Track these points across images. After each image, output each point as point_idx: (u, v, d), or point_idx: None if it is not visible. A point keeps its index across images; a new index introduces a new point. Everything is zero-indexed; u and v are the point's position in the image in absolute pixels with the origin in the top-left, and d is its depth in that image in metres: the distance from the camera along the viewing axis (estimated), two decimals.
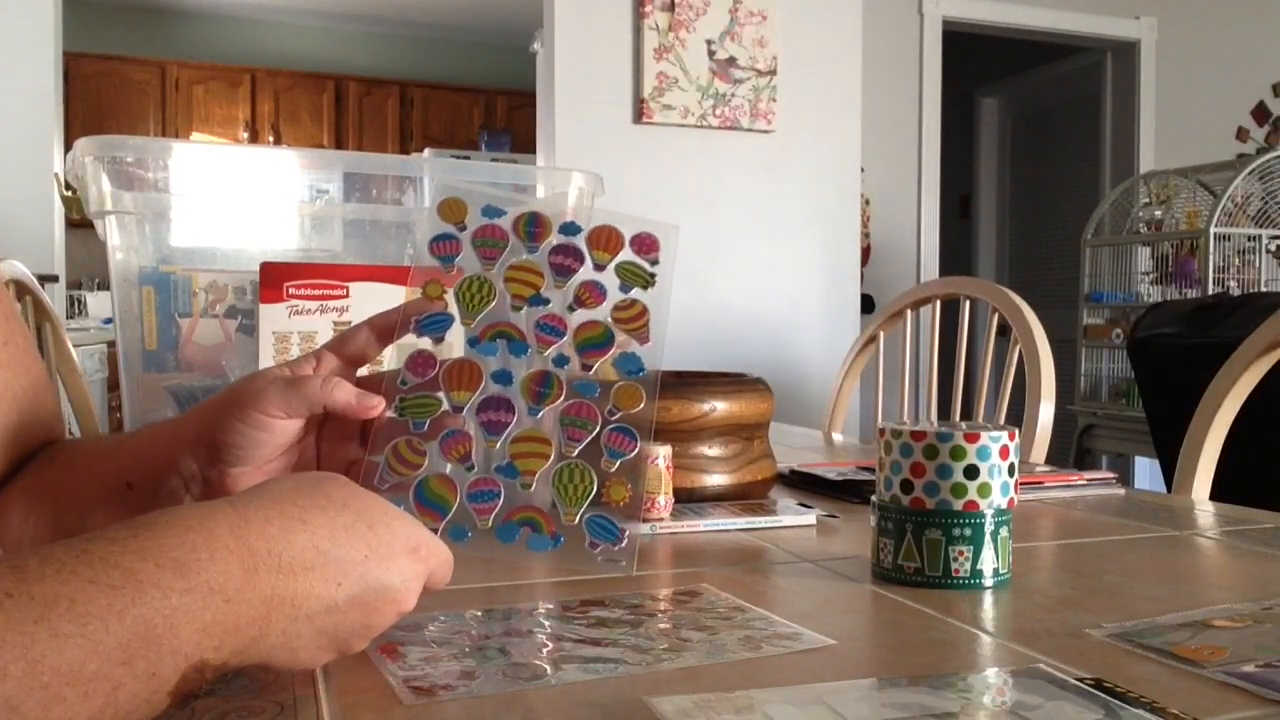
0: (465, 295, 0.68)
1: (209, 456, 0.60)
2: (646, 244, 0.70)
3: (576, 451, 0.64)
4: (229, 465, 0.60)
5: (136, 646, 0.37)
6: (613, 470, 0.64)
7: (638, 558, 0.65)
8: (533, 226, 0.70)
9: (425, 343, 0.67)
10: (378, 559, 0.46)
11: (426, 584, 0.50)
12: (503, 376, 0.66)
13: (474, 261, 0.69)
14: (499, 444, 0.64)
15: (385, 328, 0.66)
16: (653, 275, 0.69)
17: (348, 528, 0.46)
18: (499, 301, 0.68)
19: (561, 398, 0.65)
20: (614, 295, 0.69)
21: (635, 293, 0.69)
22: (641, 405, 0.65)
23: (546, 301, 0.68)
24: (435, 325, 0.67)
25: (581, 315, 0.69)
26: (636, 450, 0.65)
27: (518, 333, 0.67)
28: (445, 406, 0.64)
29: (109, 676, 0.36)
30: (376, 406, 0.62)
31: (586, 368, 0.67)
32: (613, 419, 0.65)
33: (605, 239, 0.70)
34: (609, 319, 0.68)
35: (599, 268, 0.70)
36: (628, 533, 0.63)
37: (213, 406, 0.61)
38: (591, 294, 0.69)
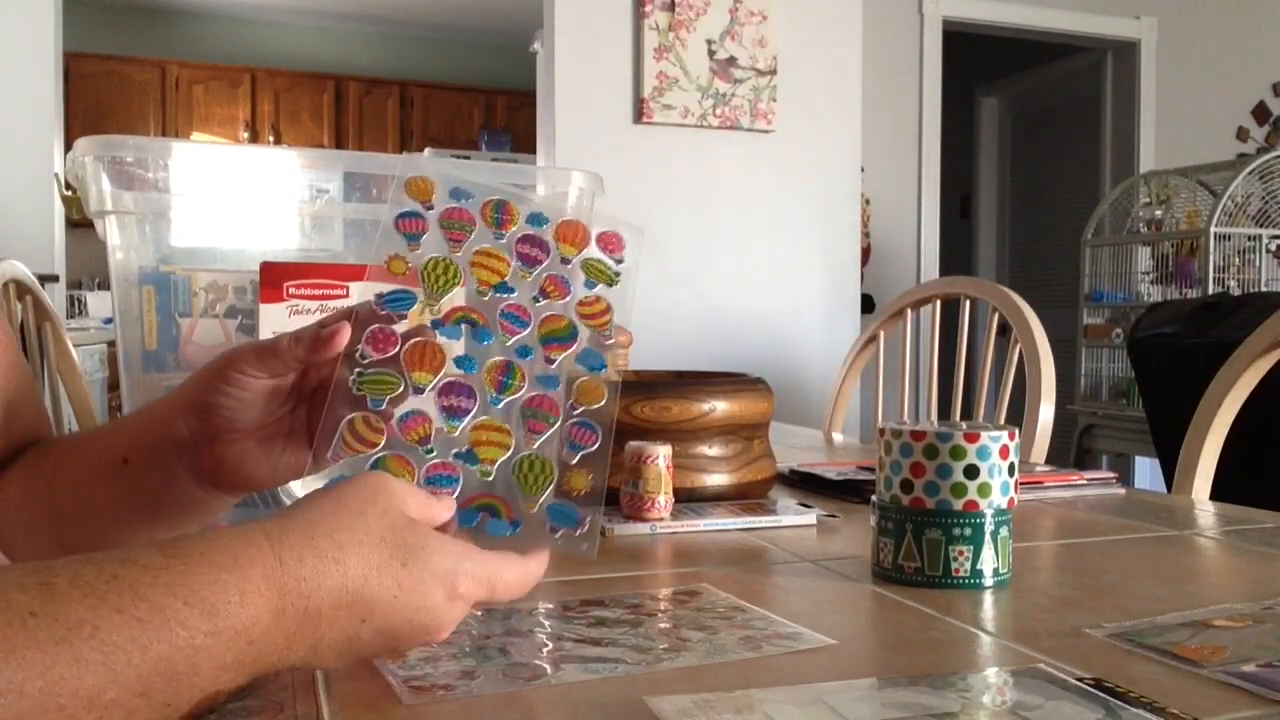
0: (430, 276, 0.67)
1: (199, 420, 0.62)
2: (611, 242, 0.70)
3: (538, 444, 0.64)
4: (218, 430, 0.62)
5: (156, 681, 0.37)
6: (574, 461, 0.64)
7: (596, 542, 0.62)
8: (500, 213, 0.70)
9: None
10: (408, 597, 0.46)
11: (494, 600, 0.50)
12: (465, 362, 0.66)
13: (440, 243, 0.69)
14: (459, 430, 0.64)
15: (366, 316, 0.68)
16: (617, 274, 0.69)
17: (380, 566, 0.45)
18: (464, 285, 0.68)
19: (524, 389, 0.65)
20: (579, 291, 0.69)
21: (600, 289, 0.69)
22: (603, 402, 0.65)
23: (512, 290, 0.68)
24: (398, 302, 0.66)
25: (546, 308, 0.69)
26: (598, 443, 0.64)
27: (482, 318, 0.67)
28: (405, 386, 0.64)
29: (125, 705, 0.37)
30: (341, 332, 0.63)
31: (550, 361, 0.67)
32: (575, 413, 0.65)
33: (572, 233, 0.70)
34: (573, 314, 0.68)
35: (564, 261, 0.69)
36: (589, 518, 0.62)
37: (201, 372, 0.64)
38: (557, 287, 0.69)
